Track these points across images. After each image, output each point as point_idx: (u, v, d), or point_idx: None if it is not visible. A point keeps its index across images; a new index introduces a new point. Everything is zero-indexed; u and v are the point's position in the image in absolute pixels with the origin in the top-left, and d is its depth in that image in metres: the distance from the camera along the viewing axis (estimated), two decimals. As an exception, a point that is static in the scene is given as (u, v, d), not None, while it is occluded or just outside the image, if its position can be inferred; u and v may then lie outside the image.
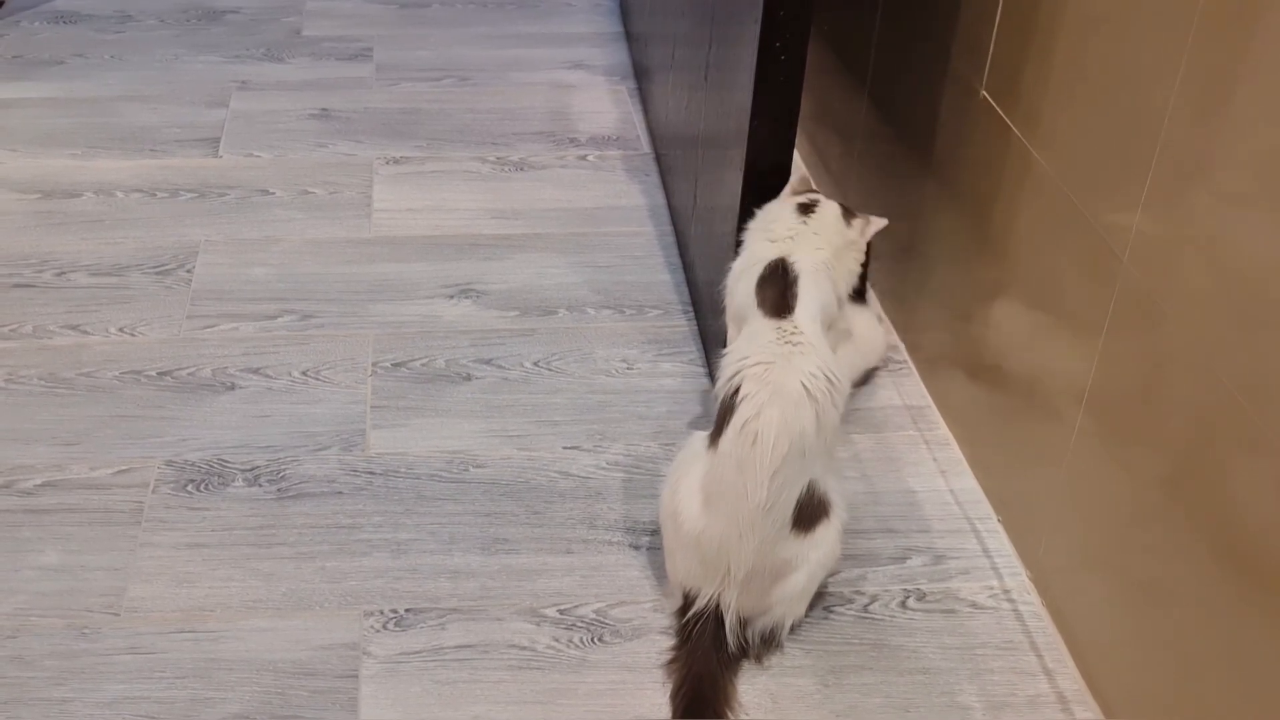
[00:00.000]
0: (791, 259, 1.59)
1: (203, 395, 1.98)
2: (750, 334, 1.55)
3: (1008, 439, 1.78)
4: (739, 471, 1.44)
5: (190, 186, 2.54)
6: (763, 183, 1.76)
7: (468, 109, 2.88)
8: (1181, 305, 1.34)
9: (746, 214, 1.78)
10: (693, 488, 1.52)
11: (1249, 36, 1.23)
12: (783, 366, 1.47)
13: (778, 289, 1.55)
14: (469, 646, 1.58)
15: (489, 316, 2.18)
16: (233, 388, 1.99)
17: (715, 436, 1.50)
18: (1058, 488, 1.63)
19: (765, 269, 1.58)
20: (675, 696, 1.50)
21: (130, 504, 1.77)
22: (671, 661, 1.54)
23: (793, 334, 1.52)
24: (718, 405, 1.51)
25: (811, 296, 1.55)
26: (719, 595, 1.50)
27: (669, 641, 1.58)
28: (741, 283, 1.61)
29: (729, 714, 1.48)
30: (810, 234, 1.62)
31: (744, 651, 1.54)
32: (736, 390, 1.47)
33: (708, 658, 1.51)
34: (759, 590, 1.51)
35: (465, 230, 2.42)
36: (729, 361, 1.52)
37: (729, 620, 1.50)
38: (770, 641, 1.57)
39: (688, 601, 1.53)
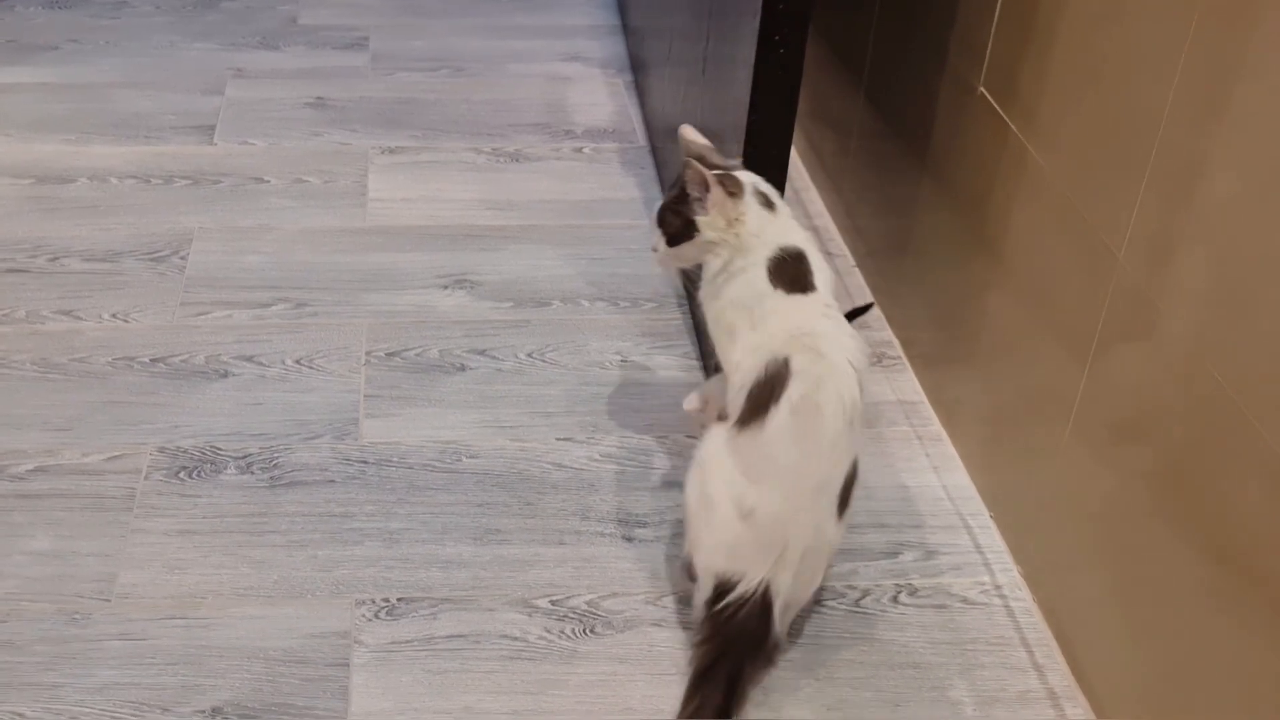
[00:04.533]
0: (798, 246, 1.54)
1: (196, 382, 1.97)
2: (775, 311, 1.50)
3: (1001, 435, 1.79)
4: (797, 445, 1.41)
5: (185, 173, 2.53)
6: (760, 177, 1.75)
7: (463, 100, 2.88)
8: (1176, 304, 1.34)
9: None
10: (728, 475, 1.47)
11: (1248, 35, 1.23)
12: (828, 339, 1.46)
13: (794, 270, 1.51)
14: (460, 636, 1.58)
15: (483, 307, 2.18)
16: (226, 375, 1.99)
17: (752, 417, 1.45)
18: (1050, 484, 1.64)
19: (775, 258, 1.52)
20: (707, 689, 1.44)
21: (122, 490, 1.76)
22: (703, 654, 1.47)
23: (827, 306, 1.50)
24: (751, 386, 1.46)
25: (824, 273, 1.53)
26: (770, 579, 1.44)
27: (667, 633, 1.57)
28: (736, 282, 1.55)
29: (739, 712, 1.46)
30: (784, 219, 1.58)
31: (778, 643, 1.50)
32: (784, 365, 1.43)
33: (746, 649, 1.46)
34: (809, 573, 1.47)
35: (460, 221, 2.42)
36: (764, 340, 1.48)
37: (778, 605, 1.45)
38: (794, 633, 1.55)
39: (722, 589, 1.46)
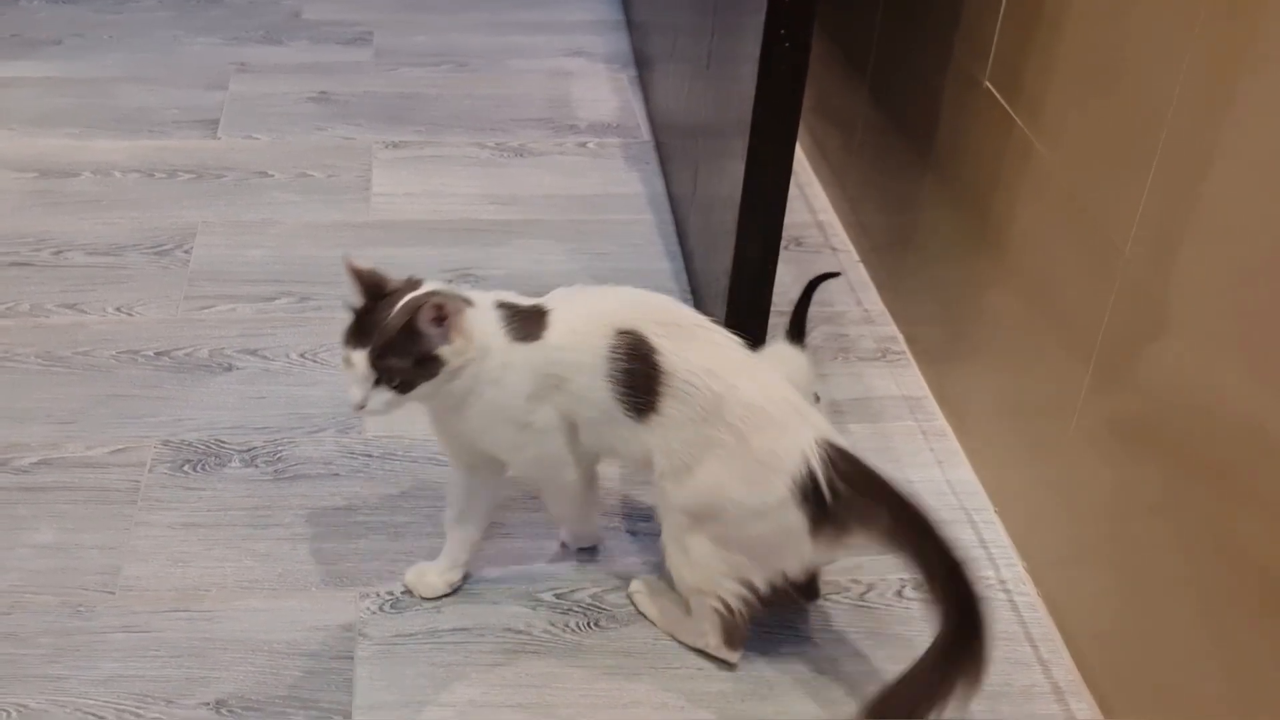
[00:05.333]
0: (501, 300, 1.48)
1: (200, 376, 1.97)
2: (562, 343, 1.45)
3: (1005, 431, 1.78)
4: (707, 350, 1.42)
5: (188, 168, 2.53)
6: (765, 173, 1.75)
7: (466, 95, 2.87)
8: (1183, 298, 1.34)
9: (748, 204, 1.78)
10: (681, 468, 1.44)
11: (1254, 27, 1.23)
12: (605, 296, 1.49)
13: (520, 311, 1.46)
14: (465, 630, 1.58)
15: (487, 302, 2.17)
16: (230, 369, 1.99)
17: (650, 386, 1.41)
18: (1054, 480, 1.63)
19: (506, 326, 1.45)
20: (929, 544, 1.39)
21: (126, 483, 1.76)
22: (868, 532, 1.42)
23: (571, 292, 1.52)
24: (620, 380, 1.42)
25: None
26: (817, 431, 1.40)
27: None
28: (509, 379, 1.44)
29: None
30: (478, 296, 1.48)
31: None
32: (621, 336, 1.42)
33: (878, 490, 1.41)
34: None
35: (463, 215, 2.42)
36: (583, 366, 1.44)
37: (844, 443, 1.42)
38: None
39: (806, 483, 1.39)
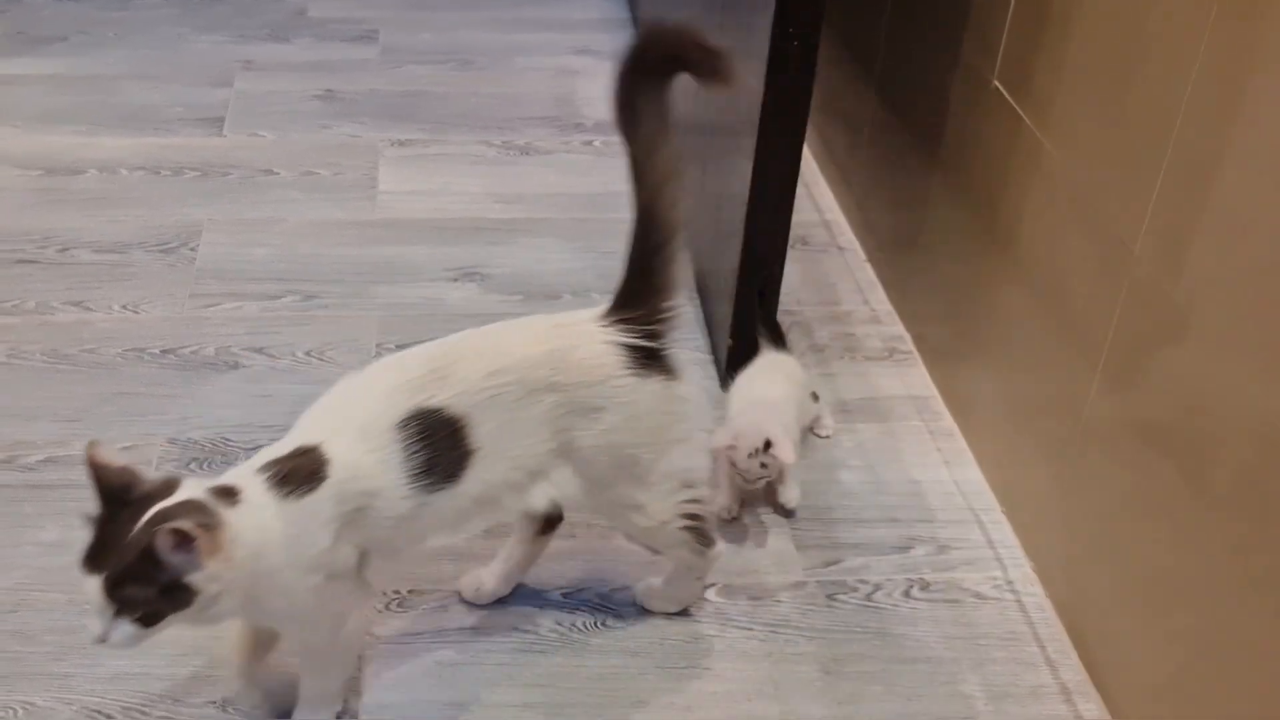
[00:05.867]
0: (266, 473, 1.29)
1: (206, 374, 1.97)
2: (339, 448, 1.31)
3: (1013, 430, 1.78)
4: (469, 353, 1.37)
5: (194, 165, 2.53)
6: (773, 171, 1.75)
7: (472, 93, 2.87)
8: (1193, 297, 1.34)
9: (756, 202, 1.78)
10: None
11: (1266, 27, 1.22)
12: (351, 402, 1.36)
13: (288, 465, 1.29)
14: (472, 629, 1.58)
15: (492, 300, 2.17)
16: (236, 367, 1.99)
17: (450, 451, 1.32)
18: (1062, 479, 1.63)
19: (282, 498, 1.27)
20: None
21: (132, 481, 1.76)
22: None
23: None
24: (415, 457, 1.30)
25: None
26: (587, 312, 1.45)
27: (678, 626, 1.57)
28: (296, 559, 1.27)
29: None
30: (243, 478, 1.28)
31: None
32: (408, 420, 1.31)
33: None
34: None
35: (469, 214, 2.41)
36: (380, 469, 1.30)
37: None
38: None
39: (633, 355, 1.40)
